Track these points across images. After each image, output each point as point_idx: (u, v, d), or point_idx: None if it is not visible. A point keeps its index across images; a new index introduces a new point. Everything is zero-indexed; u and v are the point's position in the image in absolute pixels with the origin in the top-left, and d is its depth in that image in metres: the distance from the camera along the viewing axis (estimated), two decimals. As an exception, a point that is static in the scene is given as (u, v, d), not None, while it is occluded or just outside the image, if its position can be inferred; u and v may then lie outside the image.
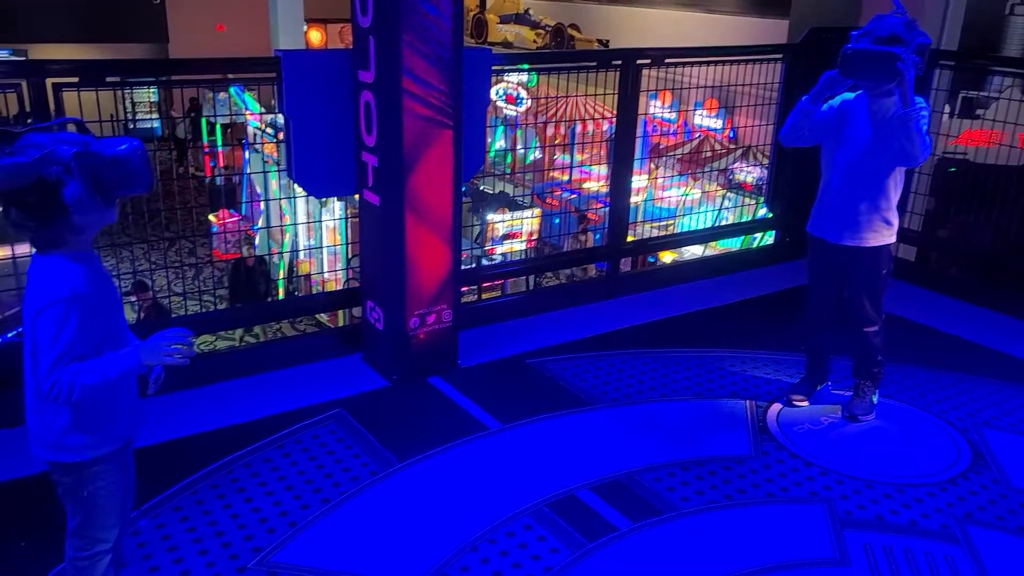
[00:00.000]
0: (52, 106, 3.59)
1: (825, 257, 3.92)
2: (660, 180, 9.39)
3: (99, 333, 2.18)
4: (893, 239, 3.81)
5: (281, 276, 10.59)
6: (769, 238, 6.68)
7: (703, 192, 9.54)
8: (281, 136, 4.20)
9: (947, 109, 6.43)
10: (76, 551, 2.41)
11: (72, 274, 2.12)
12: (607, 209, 5.57)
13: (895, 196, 3.75)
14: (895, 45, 3.45)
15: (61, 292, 2.09)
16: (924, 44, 3.51)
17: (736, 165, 11.11)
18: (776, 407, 4.15)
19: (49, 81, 3.58)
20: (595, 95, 5.45)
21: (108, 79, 3.83)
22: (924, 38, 3.52)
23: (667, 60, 5.46)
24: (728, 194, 10.28)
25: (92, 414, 2.25)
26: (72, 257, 2.15)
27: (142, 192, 2.22)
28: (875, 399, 4.06)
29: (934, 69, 5.62)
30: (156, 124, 16.97)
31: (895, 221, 3.79)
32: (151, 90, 15.58)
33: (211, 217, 11.29)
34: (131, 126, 14.64)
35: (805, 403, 4.15)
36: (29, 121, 3.42)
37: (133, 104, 16.54)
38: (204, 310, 4.78)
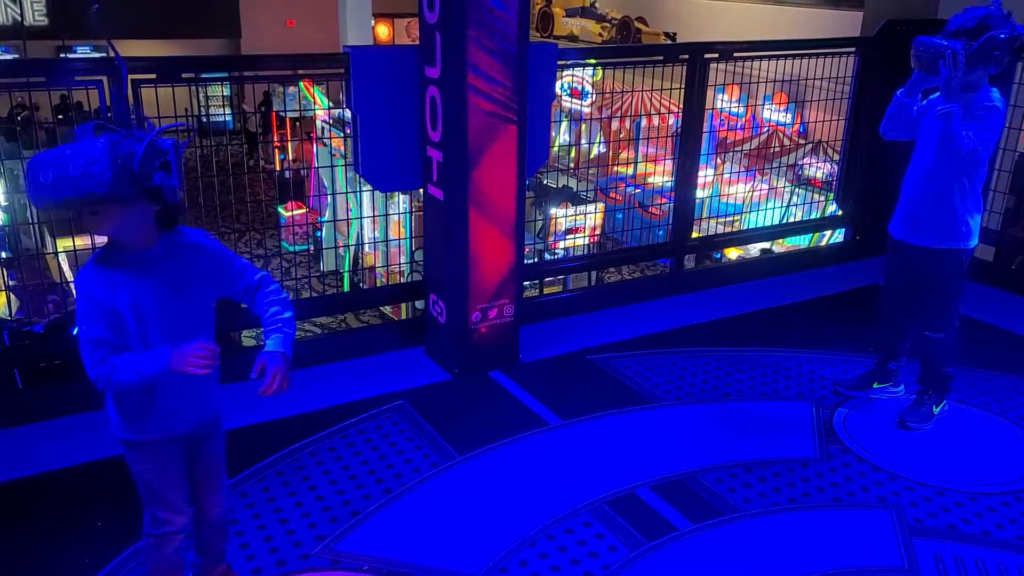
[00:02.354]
0: (131, 101, 3.71)
1: (898, 257, 3.84)
2: (726, 175, 9.25)
3: (114, 331, 2.23)
4: (967, 244, 3.66)
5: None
6: (839, 236, 6.53)
7: (770, 188, 9.35)
8: (348, 130, 4.27)
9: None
10: (146, 525, 2.52)
11: (87, 272, 2.23)
12: (671, 204, 5.51)
13: (969, 200, 3.60)
14: (960, 39, 3.36)
15: (76, 283, 2.24)
16: (994, 37, 3.36)
17: (805, 160, 10.88)
18: (843, 409, 4.06)
19: (128, 78, 3.70)
20: (661, 89, 5.38)
21: (183, 75, 3.93)
22: (999, 31, 3.37)
23: (735, 54, 5.36)
24: (796, 190, 10.06)
25: (126, 404, 2.35)
26: (96, 258, 2.24)
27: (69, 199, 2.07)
28: (937, 410, 3.92)
29: (1018, 61, 5.40)
30: (228, 118, 17.36)
31: (969, 226, 3.63)
32: (224, 85, 15.93)
33: (280, 209, 11.54)
34: (204, 120, 15.00)
35: (855, 394, 4.15)
36: (110, 115, 3.56)
37: (207, 99, 16.96)
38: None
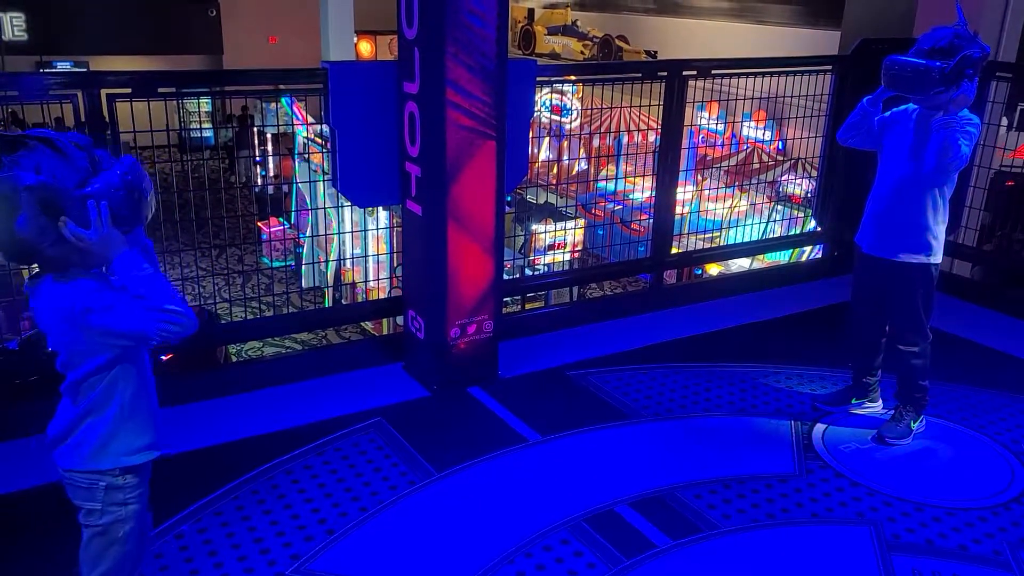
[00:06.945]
0: (107, 116, 3.68)
1: (864, 268, 3.89)
2: (707, 192, 9.31)
3: None
4: (933, 259, 3.69)
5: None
6: (818, 251, 6.57)
7: (751, 204, 9.41)
8: (328, 146, 4.27)
9: (1004, 122, 6.25)
10: None
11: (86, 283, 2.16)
12: (651, 220, 5.53)
13: (940, 214, 3.65)
14: (936, 58, 3.41)
15: (88, 293, 2.14)
16: (969, 56, 3.42)
17: (785, 177, 10.96)
18: (822, 425, 4.06)
19: (103, 92, 3.67)
20: (639, 106, 5.41)
21: (160, 90, 3.90)
22: (972, 50, 3.43)
23: (713, 71, 5.40)
24: (776, 207, 10.14)
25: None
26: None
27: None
28: (915, 426, 3.93)
29: (991, 81, 5.48)
30: (209, 134, 17.30)
31: (936, 241, 3.67)
32: (203, 100, 15.88)
33: (260, 224, 11.47)
34: (184, 135, 14.96)
35: (833, 410, 4.16)
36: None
37: (188, 114, 16.87)
38: (252, 316, 4.84)
